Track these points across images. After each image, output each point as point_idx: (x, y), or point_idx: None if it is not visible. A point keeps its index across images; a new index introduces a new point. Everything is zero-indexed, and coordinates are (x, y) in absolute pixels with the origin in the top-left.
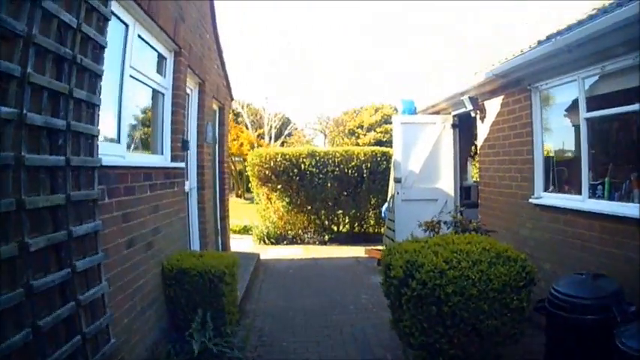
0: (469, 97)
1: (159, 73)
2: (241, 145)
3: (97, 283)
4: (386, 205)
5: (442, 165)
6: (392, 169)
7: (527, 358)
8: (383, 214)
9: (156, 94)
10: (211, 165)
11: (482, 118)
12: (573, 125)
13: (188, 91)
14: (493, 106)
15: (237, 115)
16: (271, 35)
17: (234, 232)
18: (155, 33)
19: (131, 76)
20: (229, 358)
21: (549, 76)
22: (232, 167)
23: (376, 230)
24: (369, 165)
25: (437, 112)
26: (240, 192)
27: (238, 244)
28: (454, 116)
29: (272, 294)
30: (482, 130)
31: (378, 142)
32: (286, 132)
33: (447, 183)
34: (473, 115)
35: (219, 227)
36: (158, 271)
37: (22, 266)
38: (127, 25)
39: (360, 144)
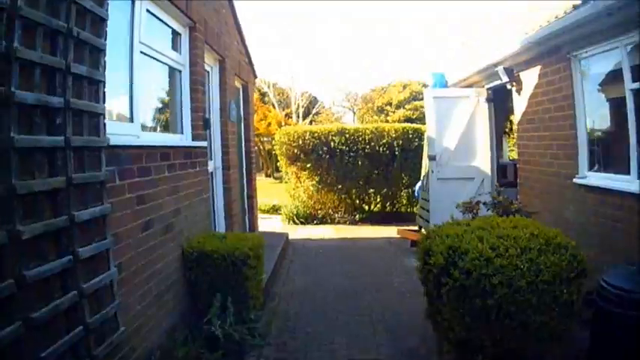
0: (504, 68)
1: (174, 50)
2: (269, 124)
3: (105, 270)
4: (419, 183)
5: (478, 141)
6: (424, 145)
7: (571, 355)
8: (416, 194)
9: (173, 72)
10: (237, 144)
11: (519, 91)
12: (609, 99)
13: (207, 68)
14: (530, 77)
15: (263, 94)
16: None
17: (263, 211)
18: (165, 7)
19: (142, 52)
20: (251, 345)
21: (590, 42)
22: (261, 147)
23: (408, 210)
24: (400, 142)
25: (469, 86)
26: (269, 171)
27: (267, 223)
28: (488, 89)
29: (300, 275)
30: (520, 104)
31: (408, 120)
32: (314, 111)
33: (483, 161)
34: (509, 87)
35: (246, 207)
36: (178, 254)
37: (12, 255)
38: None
39: (390, 121)
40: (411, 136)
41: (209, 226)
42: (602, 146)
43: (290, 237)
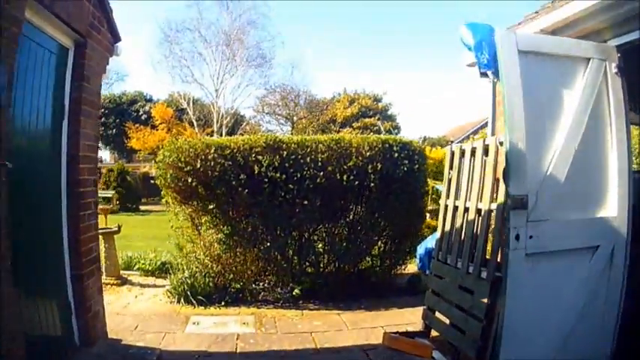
0: None
1: None
2: None
3: None
4: (431, 243)
5: (609, 159)
6: (446, 169)
7: None
8: (419, 262)
9: None
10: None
11: None
12: None
13: None
14: None
15: (181, 111)
16: None
17: (146, 273)
18: None
19: None
20: None
21: None
22: None
23: (386, 265)
24: (378, 166)
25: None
26: None
27: (140, 305)
28: (617, 49)
29: None
30: None
31: None
32: (239, 131)
33: (615, 203)
34: None
35: (70, 300)
36: None
37: None
38: None
39: None
40: (396, 155)
41: None
42: None
43: (170, 347)
